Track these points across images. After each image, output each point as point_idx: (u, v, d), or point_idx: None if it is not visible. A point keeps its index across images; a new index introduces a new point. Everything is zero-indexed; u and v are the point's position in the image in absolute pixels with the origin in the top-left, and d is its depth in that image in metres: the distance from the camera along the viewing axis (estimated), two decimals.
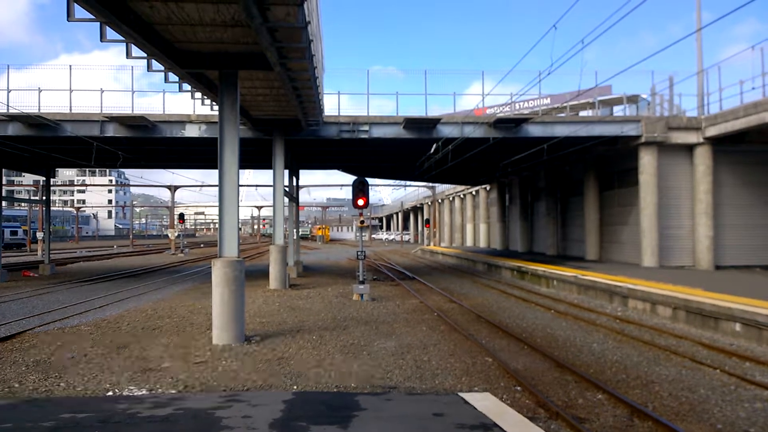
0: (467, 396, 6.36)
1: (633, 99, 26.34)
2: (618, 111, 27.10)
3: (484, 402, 6.06)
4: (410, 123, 20.47)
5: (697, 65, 22.58)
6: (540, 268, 21.44)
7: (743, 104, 19.80)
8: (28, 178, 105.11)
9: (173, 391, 7.28)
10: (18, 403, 6.56)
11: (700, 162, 21.84)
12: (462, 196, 53.83)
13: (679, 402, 7.14)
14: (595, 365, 9.02)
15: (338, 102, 20.71)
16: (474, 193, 49.60)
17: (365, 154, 26.80)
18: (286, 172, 22.61)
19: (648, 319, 13.24)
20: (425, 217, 63.45)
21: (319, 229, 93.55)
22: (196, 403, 6.07)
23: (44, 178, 28.58)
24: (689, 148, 22.15)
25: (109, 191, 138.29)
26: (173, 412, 5.69)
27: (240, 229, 13.22)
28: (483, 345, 10.25)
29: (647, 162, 21.76)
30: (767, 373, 8.45)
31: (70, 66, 19.99)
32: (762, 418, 6.52)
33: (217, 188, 10.88)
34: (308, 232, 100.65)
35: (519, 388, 7.67)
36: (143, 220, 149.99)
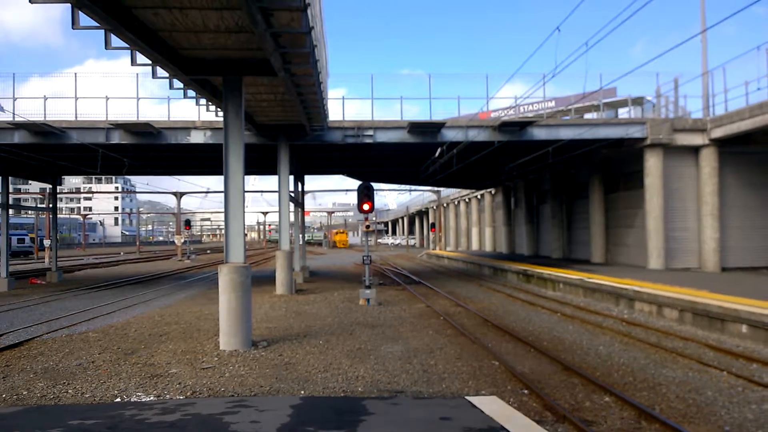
0: (474, 400, 6.35)
1: (638, 101, 26.31)
2: (623, 113, 27.07)
3: (492, 405, 6.06)
4: (414, 127, 20.49)
5: (702, 66, 22.55)
6: (546, 271, 21.39)
7: (749, 105, 19.72)
8: (35, 186, 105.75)
9: (181, 397, 7.30)
10: (26, 410, 6.60)
11: (705, 164, 21.75)
12: (467, 200, 53.77)
13: (687, 404, 7.11)
14: (601, 368, 8.99)
15: (342, 107, 20.97)
16: (479, 197, 49.53)
17: (370, 159, 26.84)
18: (291, 177, 22.68)
19: (654, 321, 13.19)
20: (431, 222, 63.37)
21: (337, 233, 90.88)
22: (203, 409, 6.09)
23: (51, 186, 28.79)
24: (695, 150, 22.07)
25: (116, 198, 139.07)
26: (181, 417, 5.71)
27: (246, 234, 13.27)
28: (489, 348, 10.24)
29: (652, 164, 21.69)
30: None
31: (75, 74, 20.31)
32: None
33: (222, 194, 10.92)
34: (321, 236, 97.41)
35: (526, 391, 7.66)
36: (150, 227, 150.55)
